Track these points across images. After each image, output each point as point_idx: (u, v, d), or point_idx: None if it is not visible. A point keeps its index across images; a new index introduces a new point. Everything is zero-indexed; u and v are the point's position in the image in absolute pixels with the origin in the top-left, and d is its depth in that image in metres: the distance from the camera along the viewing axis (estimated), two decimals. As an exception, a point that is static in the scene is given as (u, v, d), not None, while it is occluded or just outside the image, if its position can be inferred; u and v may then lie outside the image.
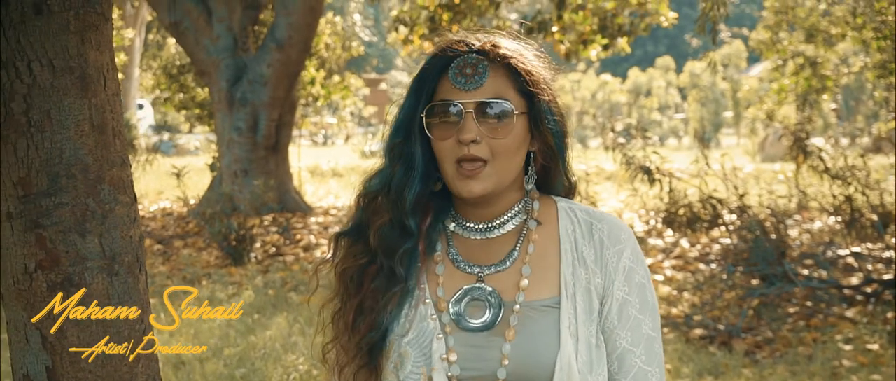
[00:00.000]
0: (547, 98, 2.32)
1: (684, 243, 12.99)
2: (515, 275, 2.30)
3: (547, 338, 2.23)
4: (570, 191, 2.44)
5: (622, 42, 17.21)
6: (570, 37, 17.01)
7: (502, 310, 2.26)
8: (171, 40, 22.77)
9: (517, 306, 2.26)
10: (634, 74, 57.68)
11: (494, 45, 2.31)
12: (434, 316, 2.28)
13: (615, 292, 2.31)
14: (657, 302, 2.38)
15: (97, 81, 2.44)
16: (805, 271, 9.85)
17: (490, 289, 2.28)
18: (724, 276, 9.93)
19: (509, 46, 2.32)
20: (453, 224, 2.37)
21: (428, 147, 2.31)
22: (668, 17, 16.79)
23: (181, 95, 22.38)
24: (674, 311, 9.34)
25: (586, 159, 12.50)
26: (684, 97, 54.74)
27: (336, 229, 2.48)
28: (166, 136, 35.54)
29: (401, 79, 59.98)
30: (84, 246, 2.43)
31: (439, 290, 2.30)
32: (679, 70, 56.38)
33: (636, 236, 9.41)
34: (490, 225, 2.34)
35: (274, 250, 12.95)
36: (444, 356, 2.23)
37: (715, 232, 12.85)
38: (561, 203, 2.39)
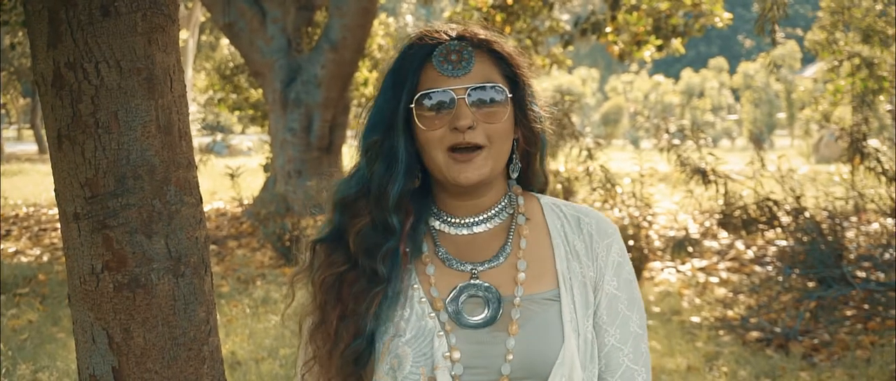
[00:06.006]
0: (529, 83, 2.29)
1: (739, 245, 12.89)
2: (511, 270, 2.24)
3: (551, 331, 2.18)
4: (545, 187, 2.39)
5: (676, 43, 17.11)
6: (624, 38, 16.95)
7: (502, 305, 2.19)
8: (225, 41, 22.96)
9: (517, 300, 2.20)
10: (687, 74, 57.39)
11: (474, 32, 2.27)
12: (432, 315, 2.20)
13: (606, 287, 2.26)
14: (643, 301, 2.33)
15: (164, 83, 2.45)
16: (862, 274, 9.74)
17: (486, 285, 2.22)
18: (781, 278, 9.85)
19: (487, 33, 2.28)
20: (437, 222, 2.31)
21: (410, 141, 2.25)
22: (722, 17, 16.65)
23: (234, 96, 22.50)
24: (730, 313, 9.28)
25: (640, 161, 12.41)
26: (737, 98, 54.41)
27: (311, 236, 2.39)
28: (219, 136, 35.74)
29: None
30: (150, 247, 2.44)
31: (433, 290, 2.23)
32: (732, 71, 56.08)
33: (691, 238, 9.26)
34: (476, 219, 2.29)
35: (327, 250, 12.96)
36: (447, 354, 2.16)
37: (770, 234, 12.74)
38: (543, 200, 2.35)
